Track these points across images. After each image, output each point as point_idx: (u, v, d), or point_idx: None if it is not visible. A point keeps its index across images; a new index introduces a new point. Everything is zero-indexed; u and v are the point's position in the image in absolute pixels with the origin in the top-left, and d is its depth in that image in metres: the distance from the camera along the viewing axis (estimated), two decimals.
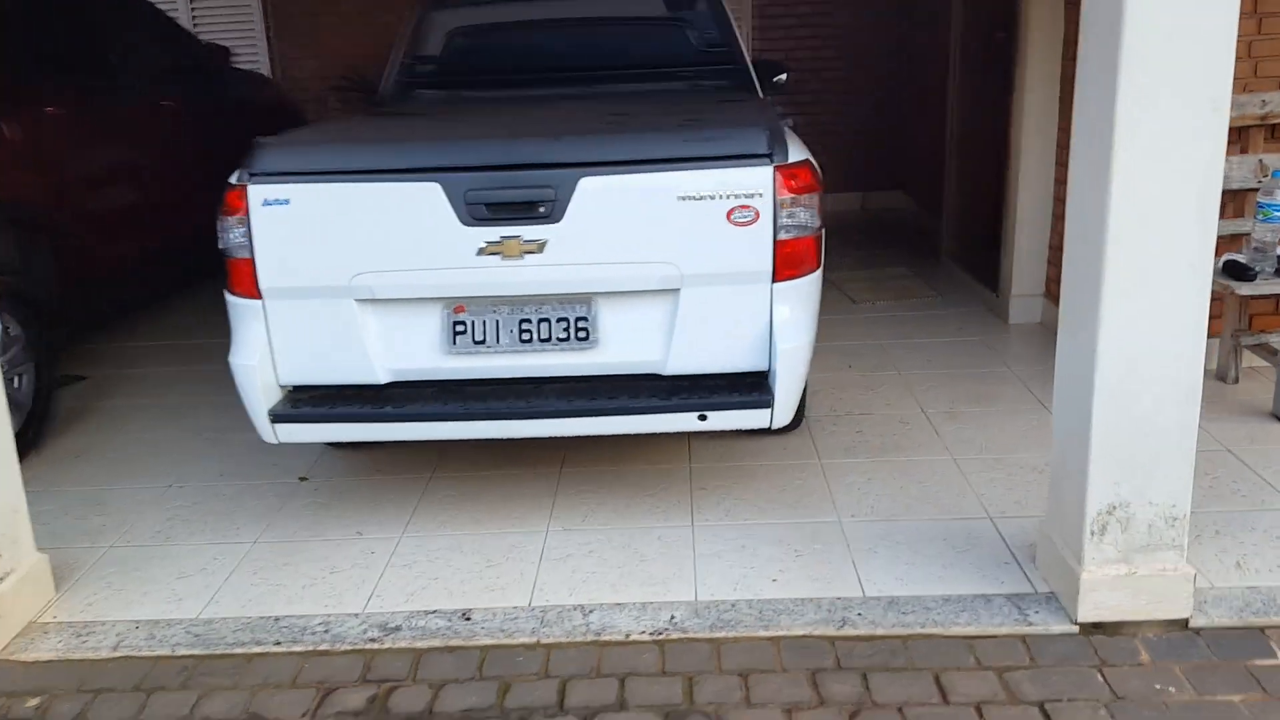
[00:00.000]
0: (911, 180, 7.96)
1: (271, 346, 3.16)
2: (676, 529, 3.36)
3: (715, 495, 3.57)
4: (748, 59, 4.64)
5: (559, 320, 3.13)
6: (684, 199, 2.99)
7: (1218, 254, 4.17)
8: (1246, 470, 3.55)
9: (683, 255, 3.02)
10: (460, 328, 3.13)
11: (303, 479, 3.88)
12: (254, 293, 3.12)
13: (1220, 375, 4.28)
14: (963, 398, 4.34)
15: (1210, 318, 2.60)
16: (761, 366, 3.11)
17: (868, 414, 4.23)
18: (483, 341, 3.13)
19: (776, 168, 2.99)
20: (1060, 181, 4.88)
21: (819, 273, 3.18)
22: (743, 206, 3.00)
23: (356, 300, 3.10)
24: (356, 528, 3.49)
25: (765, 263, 3.03)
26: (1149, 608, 2.72)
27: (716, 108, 3.60)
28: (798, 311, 3.09)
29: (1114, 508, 2.69)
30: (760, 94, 4.54)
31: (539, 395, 3.13)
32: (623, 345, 3.14)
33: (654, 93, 4.44)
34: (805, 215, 3.06)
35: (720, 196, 2.99)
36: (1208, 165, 2.46)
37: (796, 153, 3.09)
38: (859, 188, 8.34)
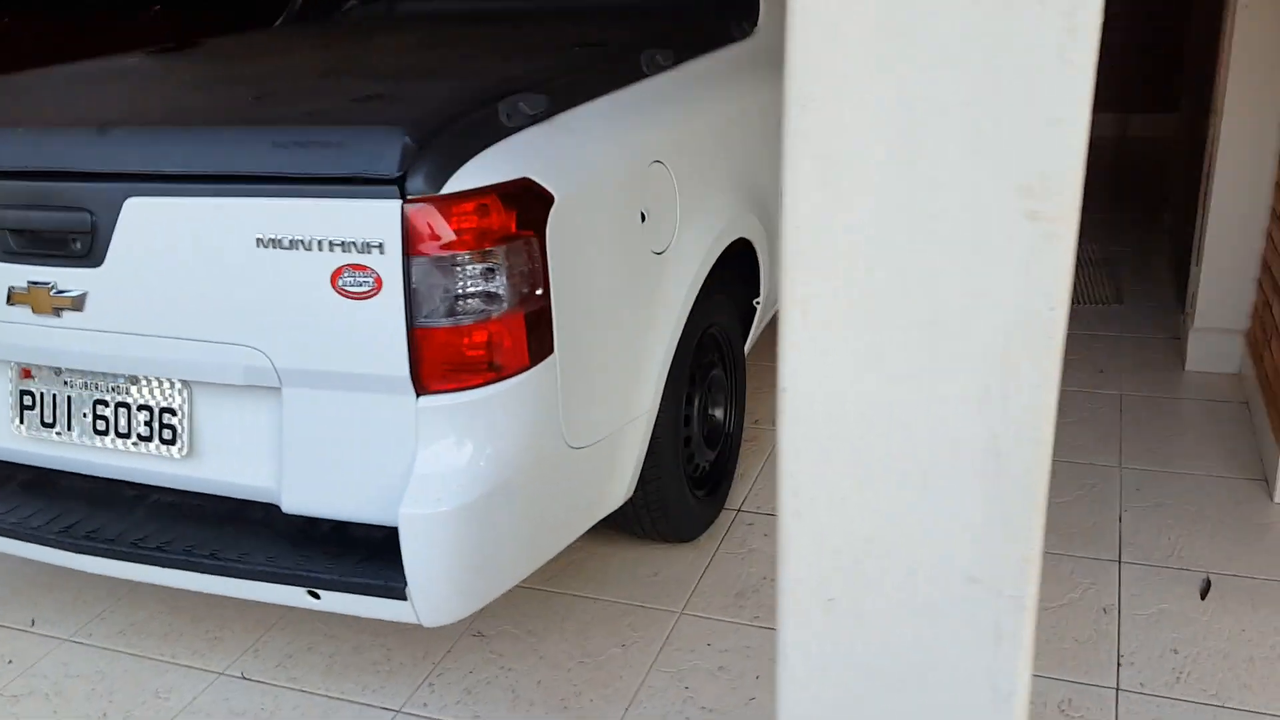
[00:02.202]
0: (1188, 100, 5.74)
1: None
2: (371, 714, 2.23)
3: (485, 654, 2.38)
4: None
5: (140, 409, 2.03)
6: (266, 245, 1.77)
7: None
8: None
9: (273, 337, 1.82)
10: (28, 400, 2.13)
11: None
12: None
13: None
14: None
15: None
16: None
17: None
18: (52, 424, 2.11)
19: (412, 201, 1.69)
20: None
21: (533, 376, 1.85)
22: (354, 266, 1.73)
23: None
24: (44, 610, 2.65)
25: (397, 363, 1.76)
26: None
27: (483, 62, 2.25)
28: (462, 446, 1.80)
29: None
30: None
31: (127, 515, 2.08)
32: (228, 459, 2.00)
33: (639, 11, 3.01)
34: (498, 282, 1.74)
35: (318, 246, 1.74)
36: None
37: (479, 174, 1.75)
38: (1118, 108, 6.21)
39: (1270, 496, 2.65)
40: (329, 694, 2.30)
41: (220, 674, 2.38)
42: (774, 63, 2.98)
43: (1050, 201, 0.91)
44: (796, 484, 1.11)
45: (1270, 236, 3.05)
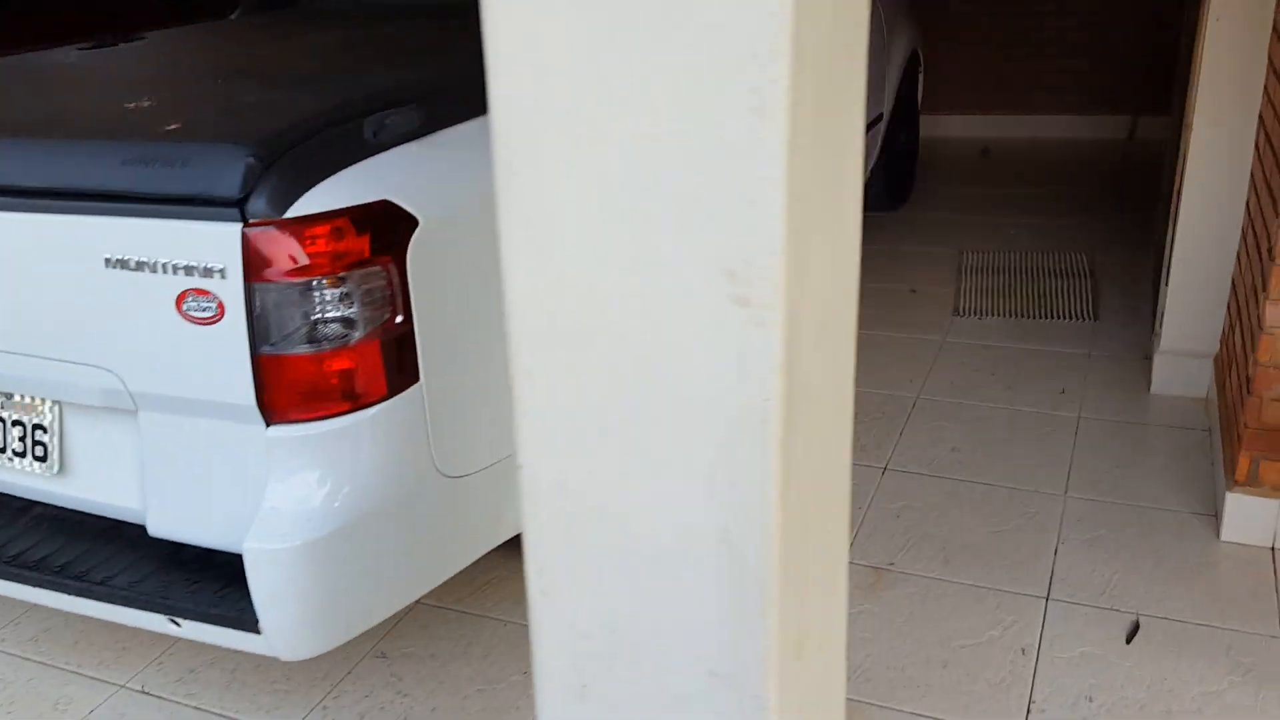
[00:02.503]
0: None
1: None
2: None
3: (385, 676, 2.33)
4: None
5: (15, 424, 2.00)
6: (113, 266, 1.71)
7: None
8: None
9: (124, 359, 1.77)
10: None
11: None
12: None
13: None
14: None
15: None
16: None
17: None
18: None
19: (253, 225, 1.62)
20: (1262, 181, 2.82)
21: (395, 406, 1.78)
22: (197, 291, 1.67)
23: None
24: None
25: (243, 391, 1.70)
26: None
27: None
28: (313, 478, 1.74)
29: None
30: None
31: (8, 528, 2.05)
32: (98, 479, 1.96)
33: None
34: (350, 309, 1.68)
35: (162, 269, 1.68)
36: None
37: (331, 196, 1.68)
38: (1127, 109, 6.01)
39: (1217, 534, 2.52)
40: (224, 712, 2.26)
41: (121, 687, 2.36)
42: None
43: (755, 286, 0.82)
44: (541, 563, 1.03)
45: (1239, 260, 2.91)
